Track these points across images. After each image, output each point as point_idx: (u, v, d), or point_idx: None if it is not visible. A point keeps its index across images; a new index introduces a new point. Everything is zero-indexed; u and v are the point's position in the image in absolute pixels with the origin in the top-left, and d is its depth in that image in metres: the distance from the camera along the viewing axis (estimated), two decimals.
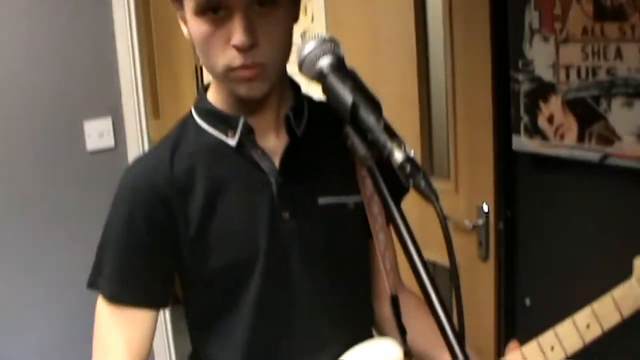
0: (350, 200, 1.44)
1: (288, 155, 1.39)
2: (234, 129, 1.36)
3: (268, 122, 1.40)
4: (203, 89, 1.47)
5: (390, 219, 1.02)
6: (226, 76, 1.29)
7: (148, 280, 1.41)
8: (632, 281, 1.49)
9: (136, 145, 3.36)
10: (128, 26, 3.30)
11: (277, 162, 1.38)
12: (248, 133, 1.36)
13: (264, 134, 1.39)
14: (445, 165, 2.75)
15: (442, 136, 2.73)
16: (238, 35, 1.22)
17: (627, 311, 1.48)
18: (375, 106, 1.03)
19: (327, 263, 1.43)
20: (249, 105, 1.36)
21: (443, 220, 0.89)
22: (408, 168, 0.92)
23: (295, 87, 1.47)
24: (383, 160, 0.98)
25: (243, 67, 1.26)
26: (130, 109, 3.34)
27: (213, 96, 1.43)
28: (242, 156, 1.38)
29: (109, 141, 3.31)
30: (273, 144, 1.40)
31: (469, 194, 2.59)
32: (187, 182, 1.37)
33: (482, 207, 2.52)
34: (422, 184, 0.92)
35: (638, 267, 1.49)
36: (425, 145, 2.79)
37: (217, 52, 1.27)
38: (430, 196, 0.91)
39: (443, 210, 0.89)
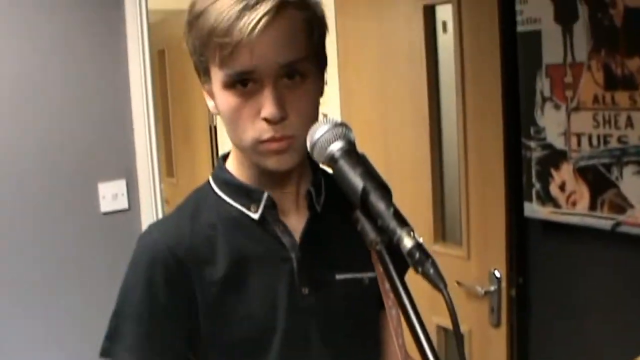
0: (365, 276, 1.43)
1: (308, 231, 1.38)
2: (257, 202, 1.36)
3: (289, 197, 1.40)
4: (221, 159, 1.46)
5: (397, 298, 1.02)
6: (255, 149, 1.29)
7: (174, 346, 1.37)
8: None
9: (150, 208, 3.37)
10: (144, 88, 3.33)
11: (297, 237, 1.38)
12: (271, 207, 1.36)
13: (285, 208, 1.39)
14: (457, 232, 2.75)
15: (455, 203, 2.74)
16: (268, 108, 1.23)
17: None
18: (385, 192, 1.02)
19: (344, 336, 1.42)
20: (272, 179, 1.36)
21: (451, 307, 0.89)
22: (417, 255, 0.92)
23: (314, 161, 1.47)
24: (393, 243, 0.98)
25: (272, 139, 1.26)
26: (144, 172, 3.36)
27: (234, 167, 1.41)
28: (263, 230, 1.37)
29: (122, 203, 3.33)
30: (294, 218, 1.40)
31: (481, 260, 2.59)
32: (207, 253, 1.35)
33: (494, 274, 2.52)
34: (431, 271, 0.92)
35: None
36: (437, 212, 2.80)
37: (246, 125, 1.27)
38: (438, 284, 0.91)
39: (452, 299, 0.89)
